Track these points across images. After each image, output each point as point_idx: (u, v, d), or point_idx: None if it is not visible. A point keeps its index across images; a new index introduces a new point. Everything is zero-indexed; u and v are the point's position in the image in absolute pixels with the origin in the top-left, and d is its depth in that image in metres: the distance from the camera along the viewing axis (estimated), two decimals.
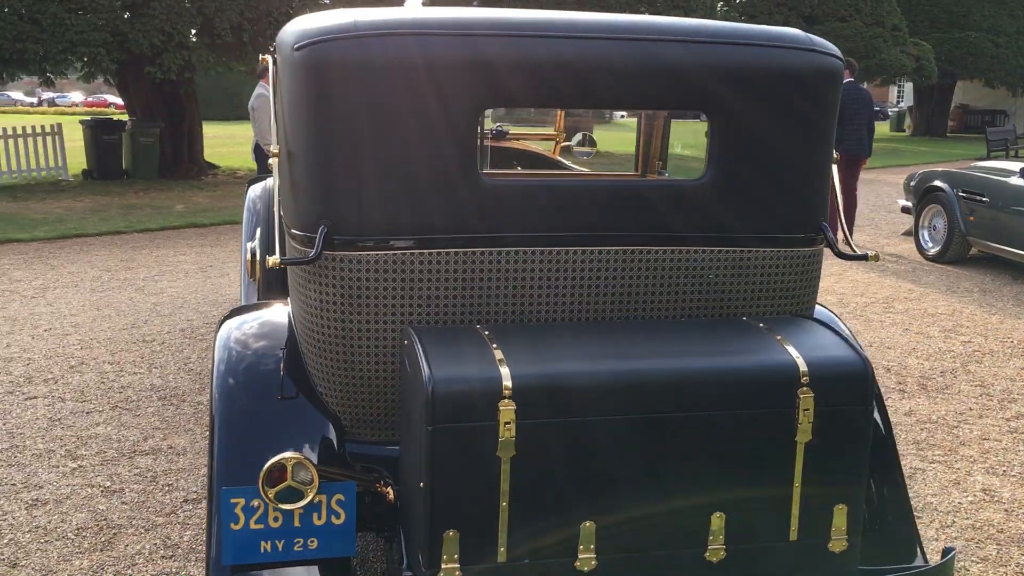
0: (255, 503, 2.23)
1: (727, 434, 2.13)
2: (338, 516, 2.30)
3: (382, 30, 2.31)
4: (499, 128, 5.26)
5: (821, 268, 2.79)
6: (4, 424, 4.87)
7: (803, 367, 2.15)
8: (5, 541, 3.60)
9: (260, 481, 2.19)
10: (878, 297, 8.30)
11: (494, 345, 2.12)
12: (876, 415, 2.89)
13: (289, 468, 2.20)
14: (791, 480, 2.18)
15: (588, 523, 2.08)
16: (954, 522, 4.02)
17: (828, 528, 2.22)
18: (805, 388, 2.14)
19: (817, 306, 3.23)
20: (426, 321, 2.42)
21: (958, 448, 4.82)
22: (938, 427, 5.11)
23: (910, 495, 3.94)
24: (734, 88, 2.51)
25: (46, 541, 3.61)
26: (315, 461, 2.35)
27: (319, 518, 2.28)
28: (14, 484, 4.12)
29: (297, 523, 2.27)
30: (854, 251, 2.68)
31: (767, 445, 2.14)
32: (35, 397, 5.29)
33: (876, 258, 2.71)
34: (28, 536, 3.64)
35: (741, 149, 2.56)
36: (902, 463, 4.54)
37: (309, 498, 2.23)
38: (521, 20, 2.43)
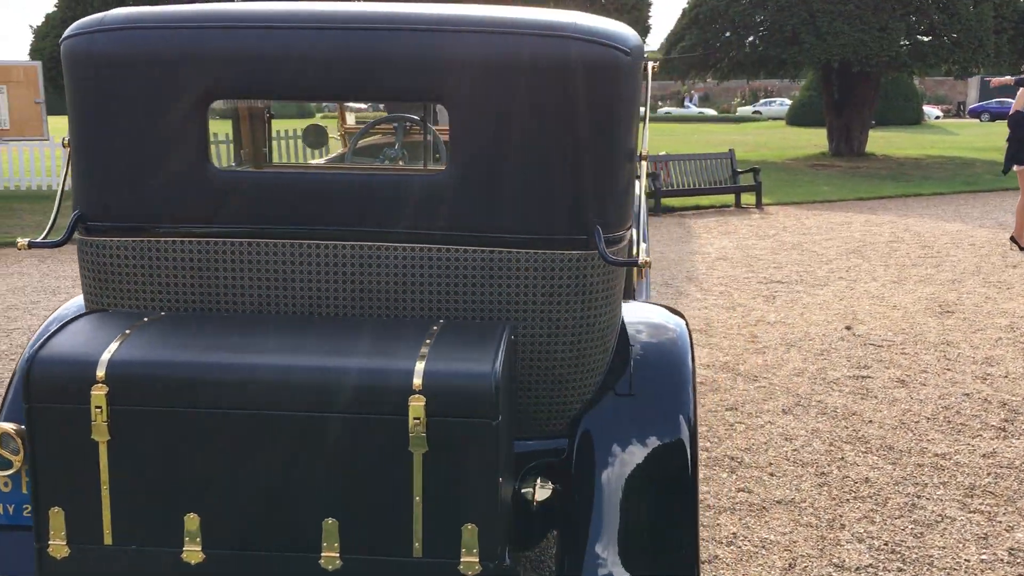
0: None
1: (339, 438, 2.01)
2: None
3: (119, 25, 2.41)
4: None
5: (614, 275, 2.54)
6: None
7: (419, 375, 1.99)
8: None
9: None
10: None
11: (127, 331, 2.16)
12: (686, 433, 2.61)
13: None
14: (410, 492, 2.03)
15: (192, 515, 2.06)
16: None
17: (457, 548, 2.05)
18: (417, 396, 1.98)
19: (676, 320, 2.94)
20: (169, 308, 2.50)
21: (1016, 500, 4.12)
22: (1012, 473, 4.39)
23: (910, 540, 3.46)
24: (476, 79, 2.35)
25: None
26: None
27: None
28: None
29: (23, 489, 2.44)
30: None
31: (381, 453, 2.00)
32: None
33: (647, 265, 2.44)
34: None
35: (485, 143, 2.38)
36: (930, 508, 3.98)
37: (16, 467, 2.38)
38: (248, 11, 2.42)
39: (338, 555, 2.05)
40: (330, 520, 2.04)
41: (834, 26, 19.80)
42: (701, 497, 4.07)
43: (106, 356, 2.04)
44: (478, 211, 2.41)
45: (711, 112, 53.25)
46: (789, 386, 5.54)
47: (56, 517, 2.08)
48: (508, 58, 2.35)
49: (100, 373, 2.02)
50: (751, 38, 22.40)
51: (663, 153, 15.16)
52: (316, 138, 4.64)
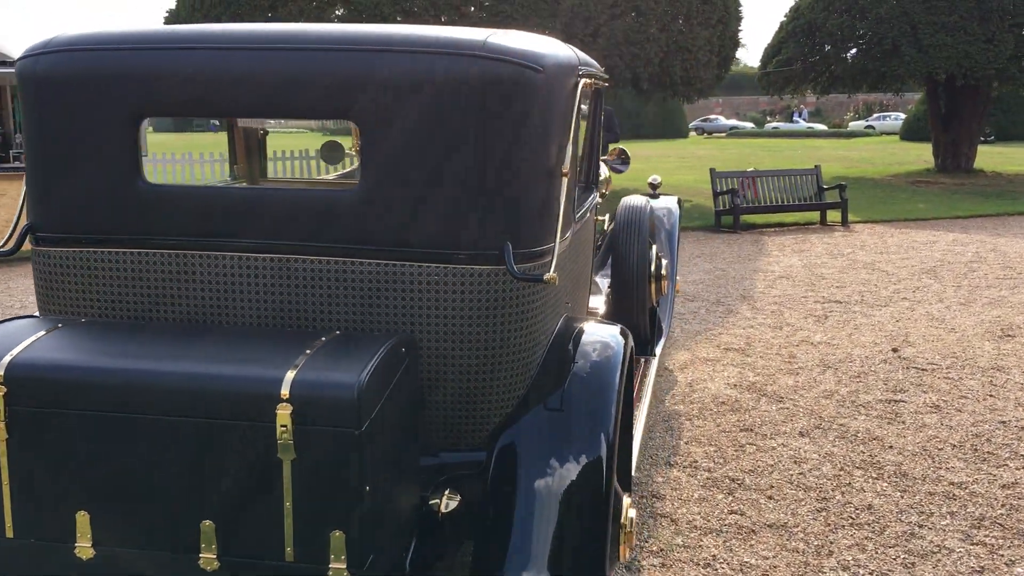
0: None
1: (213, 443, 2.09)
2: None
3: (61, 47, 2.58)
4: None
5: (532, 291, 2.57)
6: None
7: (287, 384, 2.06)
8: None
9: None
10: None
11: (37, 336, 2.29)
12: (603, 449, 2.61)
13: None
14: (281, 498, 2.10)
15: (82, 513, 2.18)
16: None
17: (326, 554, 2.10)
18: (284, 404, 2.05)
19: (617, 339, 2.93)
20: (106, 315, 2.64)
21: None
22: None
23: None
24: (384, 97, 2.43)
25: None
26: None
27: None
28: None
29: None
30: None
31: (253, 459, 2.08)
32: None
33: (554, 281, 2.46)
34: None
35: (394, 160, 2.46)
36: (930, 538, 3.83)
37: None
38: (173, 33, 2.56)
39: (215, 556, 2.13)
40: (207, 522, 2.12)
41: (936, 38, 19.12)
42: (690, 519, 4.03)
43: (7, 359, 2.18)
44: (387, 226, 2.48)
45: (821, 127, 51.92)
46: (814, 408, 5.40)
47: None
48: (414, 77, 2.42)
49: (0, 374, 2.16)
50: (851, 51, 21.81)
51: (750, 169, 14.91)
52: (333, 153, 4.80)
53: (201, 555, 2.14)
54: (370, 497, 2.10)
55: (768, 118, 57.90)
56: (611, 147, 5.49)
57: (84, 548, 2.19)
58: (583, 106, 2.95)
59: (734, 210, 13.37)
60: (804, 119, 54.43)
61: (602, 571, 2.47)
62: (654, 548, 3.80)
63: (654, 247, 5.39)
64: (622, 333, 3.02)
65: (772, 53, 22.73)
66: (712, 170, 13.95)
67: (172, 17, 16.02)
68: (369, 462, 2.09)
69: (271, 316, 2.55)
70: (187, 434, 2.11)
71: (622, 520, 2.92)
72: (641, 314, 5.12)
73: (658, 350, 5.24)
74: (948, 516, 4.08)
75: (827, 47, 21.97)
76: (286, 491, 2.08)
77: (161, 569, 2.18)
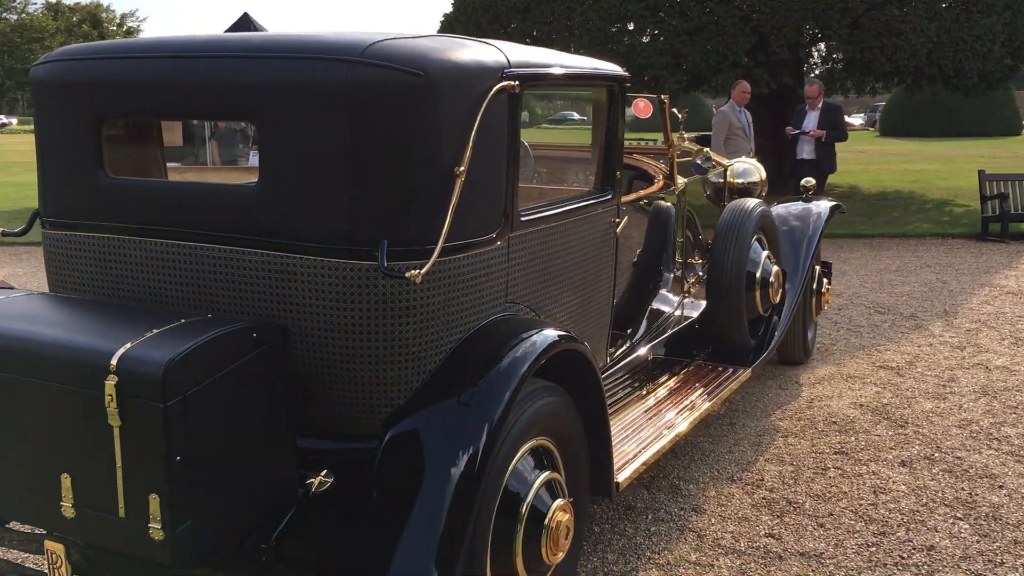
0: None
1: (67, 406, 2.38)
2: None
3: (55, 58, 3.04)
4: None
5: (423, 289, 2.64)
6: None
7: (116, 356, 2.30)
8: None
9: None
10: None
11: None
12: (480, 444, 2.62)
13: None
14: (114, 460, 2.34)
15: None
16: None
17: (146, 514, 2.32)
18: (112, 376, 2.29)
19: (541, 337, 2.91)
20: (82, 291, 3.05)
21: None
22: None
23: None
24: (274, 101, 2.64)
25: None
26: None
27: None
28: None
29: None
30: None
31: (95, 423, 2.33)
32: None
33: (417, 278, 2.51)
34: None
35: (284, 159, 2.66)
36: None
37: None
38: (128, 45, 2.91)
39: (72, 506, 2.43)
40: (65, 475, 2.42)
41: None
42: (718, 537, 3.86)
43: None
44: (274, 219, 2.69)
45: None
46: (937, 437, 4.89)
47: None
48: (299, 81, 2.61)
49: None
50: None
51: None
52: None
53: (62, 503, 2.44)
54: (183, 467, 2.30)
55: None
56: (695, 148, 5.25)
57: None
58: (515, 111, 2.94)
59: (1002, 216, 12.09)
60: None
61: (447, 566, 2.49)
62: (660, 560, 3.69)
63: (764, 253, 5.13)
64: (564, 338, 3.00)
65: None
66: (981, 172, 12.68)
67: (447, 23, 17.01)
68: (180, 434, 2.29)
69: (175, 296, 2.84)
70: (48, 395, 2.42)
71: (546, 522, 2.91)
72: (734, 322, 4.90)
73: (757, 363, 4.98)
74: (1020, 569, 3.60)
75: None
76: (116, 454, 2.34)
77: (36, 512, 2.51)
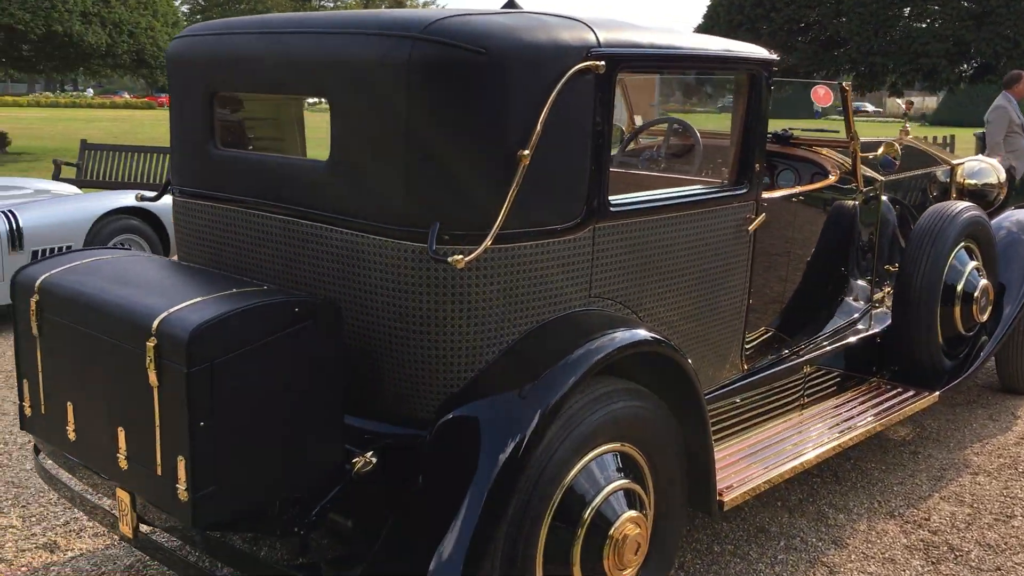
0: None
1: (123, 363, 2.46)
2: None
3: (184, 34, 3.20)
4: (784, 131, 4.50)
5: (482, 274, 2.53)
6: None
7: (158, 319, 2.35)
8: None
9: None
10: None
11: (85, 260, 2.88)
12: (517, 439, 2.48)
13: None
14: (154, 420, 2.40)
15: (69, 403, 2.72)
16: None
17: (176, 476, 2.36)
18: (152, 337, 2.35)
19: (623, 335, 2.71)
20: (192, 257, 3.21)
21: None
22: None
23: None
24: (342, 77, 2.66)
25: None
26: None
27: None
28: None
29: None
30: None
31: (142, 382, 2.42)
32: None
33: (460, 263, 2.40)
34: None
35: (351, 136, 2.64)
36: None
37: None
38: (237, 23, 2.99)
39: (125, 458, 2.55)
40: (121, 428, 2.54)
41: None
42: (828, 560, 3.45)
43: (44, 276, 2.79)
44: (338, 196, 2.68)
45: None
46: None
47: (24, 386, 2.91)
48: (363, 58, 2.58)
49: (36, 286, 2.79)
50: None
51: None
52: None
53: (118, 454, 2.56)
54: (208, 433, 2.33)
55: None
56: (895, 143, 4.60)
57: (70, 430, 2.75)
58: (605, 93, 2.73)
59: None
60: None
61: (457, 565, 2.38)
62: None
63: (972, 264, 4.52)
64: (648, 341, 2.78)
65: None
66: None
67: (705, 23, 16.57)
68: (204, 401, 2.32)
69: (271, 268, 2.90)
70: (113, 353, 2.54)
71: (611, 532, 2.72)
72: (922, 339, 4.35)
73: (949, 387, 4.39)
74: None
75: None
76: (156, 413, 2.41)
77: (104, 458, 2.65)
